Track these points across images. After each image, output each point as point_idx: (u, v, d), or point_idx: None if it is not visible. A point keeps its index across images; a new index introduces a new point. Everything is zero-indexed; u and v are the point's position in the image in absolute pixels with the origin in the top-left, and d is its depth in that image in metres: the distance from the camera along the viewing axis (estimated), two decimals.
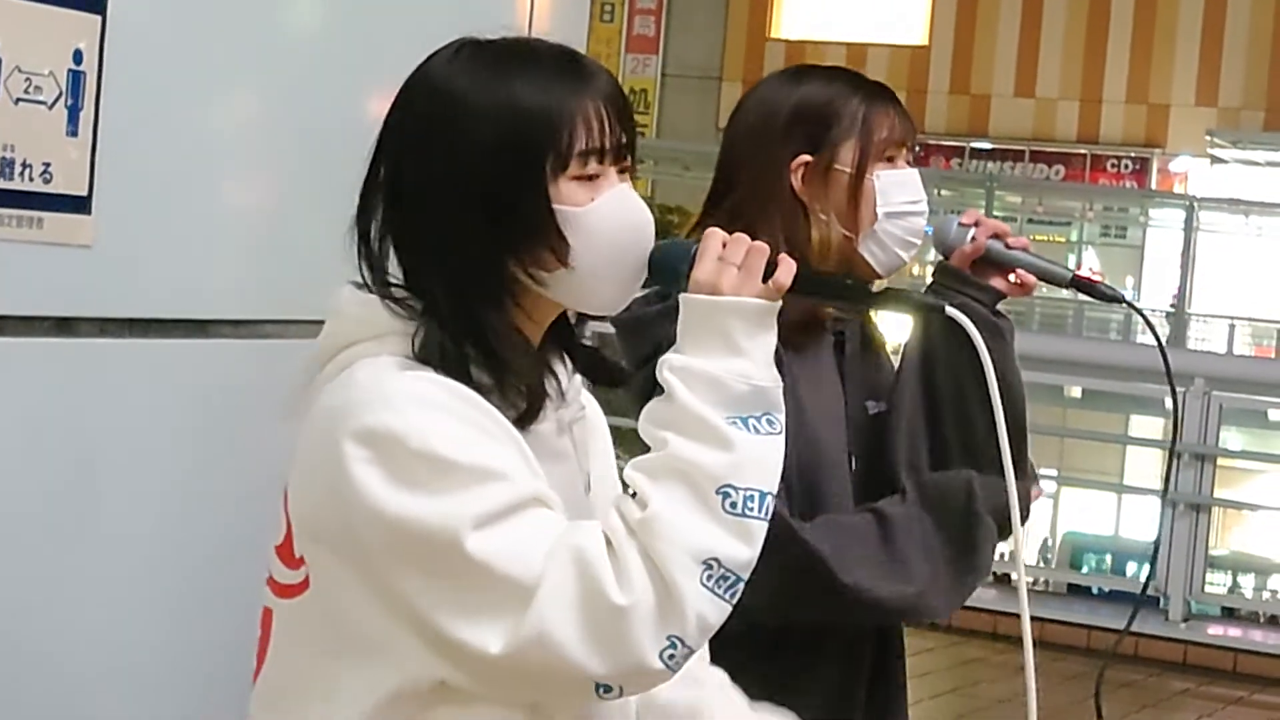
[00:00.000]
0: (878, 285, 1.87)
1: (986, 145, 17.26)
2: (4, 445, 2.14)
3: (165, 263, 2.32)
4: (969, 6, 17.26)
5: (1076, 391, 9.92)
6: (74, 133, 2.17)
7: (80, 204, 2.18)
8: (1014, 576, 9.72)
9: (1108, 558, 10.34)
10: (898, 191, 2.43)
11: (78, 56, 2.16)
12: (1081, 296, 2.55)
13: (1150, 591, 8.64)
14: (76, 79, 2.16)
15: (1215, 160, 16.32)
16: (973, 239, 2.49)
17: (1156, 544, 3.45)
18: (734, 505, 1.69)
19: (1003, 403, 1.90)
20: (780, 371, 2.32)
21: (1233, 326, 12.95)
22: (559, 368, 1.85)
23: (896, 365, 2.53)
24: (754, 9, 17.88)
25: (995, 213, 12.61)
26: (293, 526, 1.76)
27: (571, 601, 1.64)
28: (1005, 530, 2.42)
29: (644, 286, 1.85)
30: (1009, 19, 17.09)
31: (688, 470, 1.69)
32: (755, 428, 1.72)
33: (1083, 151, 16.98)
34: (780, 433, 1.74)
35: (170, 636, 2.35)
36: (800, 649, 2.38)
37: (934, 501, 2.37)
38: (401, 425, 1.66)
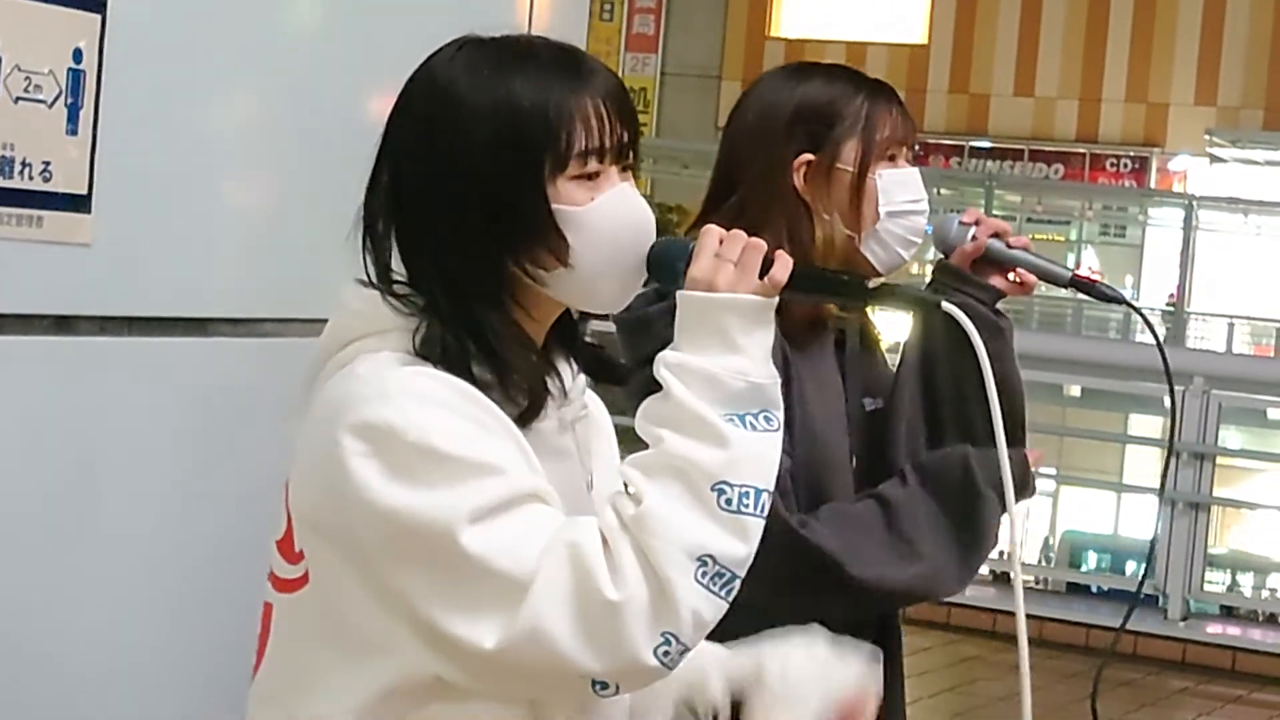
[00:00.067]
0: (874, 281, 1.86)
1: (986, 144, 17.25)
2: (4, 444, 2.14)
3: (165, 261, 2.32)
4: (968, 6, 17.26)
5: (1076, 390, 9.92)
6: (74, 131, 2.17)
7: (80, 203, 2.19)
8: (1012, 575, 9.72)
9: (1107, 556, 10.35)
10: (899, 190, 2.43)
11: (77, 55, 2.16)
12: (1081, 295, 2.55)
13: (1149, 590, 8.65)
14: (76, 78, 2.16)
15: (1214, 159, 16.32)
16: (973, 238, 2.50)
17: (1153, 542, 3.45)
18: (729, 502, 1.68)
19: (1002, 401, 1.90)
20: (787, 372, 2.33)
21: (1232, 325, 12.95)
22: (562, 366, 1.85)
23: (894, 363, 2.53)
24: (754, 8, 17.87)
25: (995, 212, 12.61)
26: (293, 521, 1.77)
27: (565, 597, 1.64)
28: (1007, 503, 2.41)
29: (644, 285, 1.85)
30: (1008, 18, 17.08)
31: (683, 467, 1.69)
32: (752, 424, 1.72)
33: (1082, 150, 16.97)
34: (778, 430, 1.74)
35: (170, 636, 2.35)
36: None
37: (933, 480, 2.38)
38: (399, 419, 1.66)
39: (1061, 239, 15.16)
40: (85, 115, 2.18)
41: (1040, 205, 14.34)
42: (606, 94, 1.78)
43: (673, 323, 1.77)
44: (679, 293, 1.77)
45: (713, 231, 1.79)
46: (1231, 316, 13.09)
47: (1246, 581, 9.73)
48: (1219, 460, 8.94)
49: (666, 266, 1.79)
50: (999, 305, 2.49)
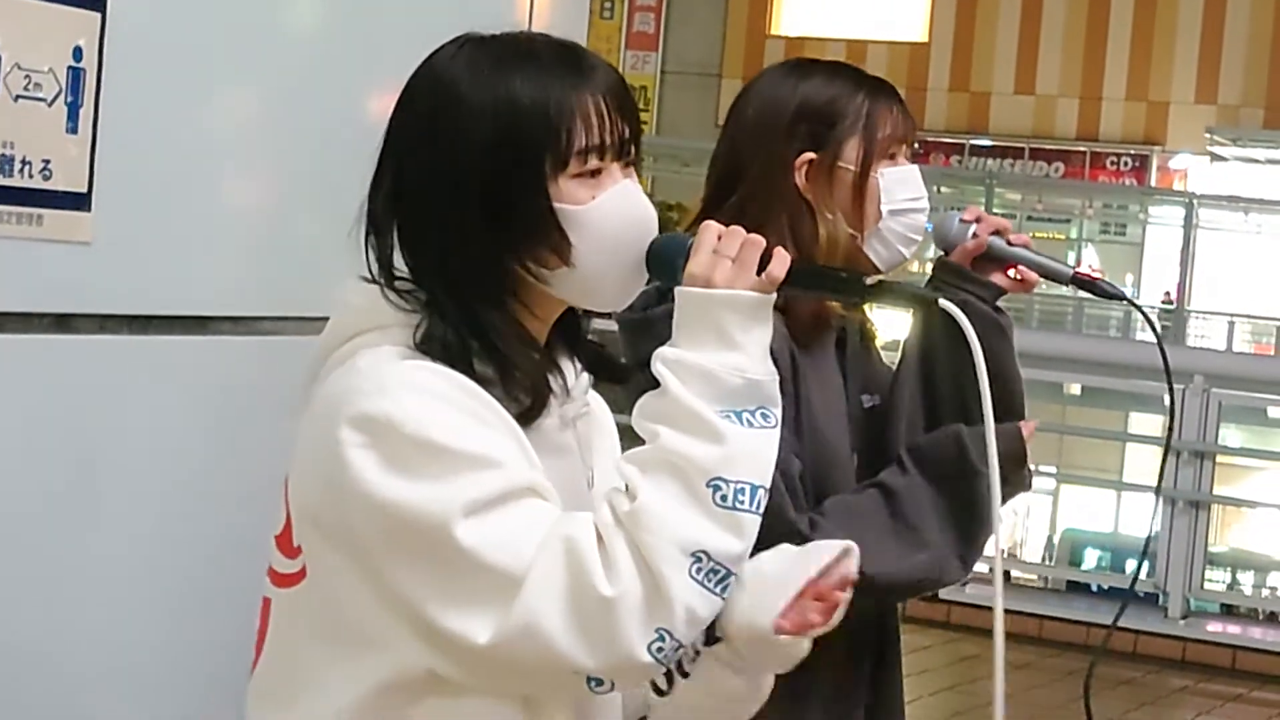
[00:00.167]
0: (872, 278, 1.86)
1: (986, 142, 17.25)
2: (3, 443, 2.14)
3: (165, 259, 2.32)
4: (969, 4, 17.25)
5: (1076, 389, 9.93)
6: (74, 130, 2.17)
7: (80, 201, 2.18)
8: (1013, 573, 9.75)
9: (1107, 555, 10.35)
10: (900, 188, 2.43)
11: (77, 53, 2.16)
12: (1081, 293, 2.56)
13: (1149, 588, 8.66)
14: (76, 76, 2.16)
15: (1215, 157, 16.32)
16: (974, 235, 2.50)
17: (1148, 540, 3.46)
18: (724, 498, 1.68)
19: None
20: (795, 373, 2.33)
21: (1232, 324, 12.95)
22: (565, 363, 1.85)
23: (892, 360, 2.54)
24: (754, 6, 17.87)
25: (995, 210, 12.61)
26: (292, 515, 1.77)
27: (559, 592, 1.64)
28: (1009, 478, 2.39)
29: (646, 283, 1.85)
30: (1009, 16, 17.08)
31: (678, 463, 1.68)
32: (749, 421, 1.71)
33: (1082, 149, 16.97)
34: (775, 426, 1.73)
35: (171, 634, 2.35)
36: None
37: (930, 464, 2.38)
38: (398, 412, 1.66)
39: (1062, 237, 15.16)
40: (85, 113, 2.18)
41: (1041, 203, 14.34)
42: (607, 90, 1.77)
43: None
44: (677, 289, 1.77)
45: (711, 227, 1.79)
46: (1232, 315, 13.09)
47: (1247, 580, 9.73)
48: (1219, 458, 8.94)
49: (665, 262, 1.79)
50: (999, 303, 2.49)
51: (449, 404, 1.68)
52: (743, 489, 1.69)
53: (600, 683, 1.67)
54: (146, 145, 2.27)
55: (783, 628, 1.78)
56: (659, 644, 1.65)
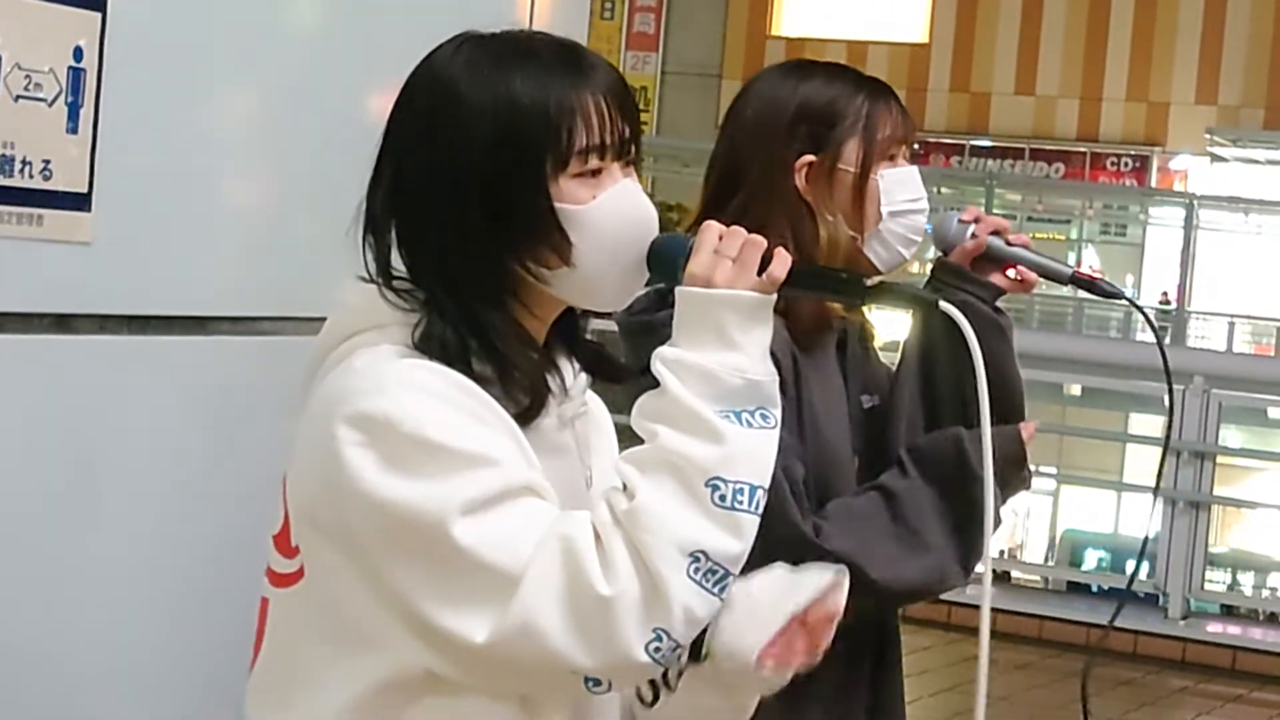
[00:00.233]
0: (872, 279, 1.85)
1: (986, 143, 17.25)
2: (3, 443, 2.14)
3: (165, 260, 2.32)
4: (969, 4, 17.25)
5: (1076, 389, 9.93)
6: (74, 130, 2.17)
7: (80, 201, 2.18)
8: (1014, 574, 9.75)
9: (1107, 555, 10.35)
10: (900, 190, 2.43)
11: (78, 54, 2.16)
12: (1081, 294, 2.56)
13: (1149, 589, 8.66)
14: (77, 76, 2.16)
15: (1215, 158, 16.32)
16: (973, 236, 2.50)
17: (1145, 540, 3.44)
18: (723, 498, 1.67)
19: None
20: (797, 377, 2.33)
21: (1232, 324, 12.95)
22: (563, 363, 1.85)
23: (893, 360, 2.54)
24: (754, 7, 17.87)
25: (995, 210, 12.61)
26: (290, 514, 1.76)
27: (556, 591, 1.64)
28: (1008, 480, 2.40)
29: (647, 283, 1.85)
30: (1009, 17, 17.08)
31: (677, 462, 1.68)
32: (748, 421, 1.71)
33: (1083, 149, 16.97)
34: (774, 427, 1.73)
35: (170, 635, 2.35)
36: None
37: (931, 467, 2.38)
38: (395, 410, 1.66)
39: (1062, 238, 15.17)
40: (85, 114, 2.18)
41: (1041, 204, 14.34)
42: (608, 90, 1.77)
43: None
44: (677, 289, 1.76)
45: (712, 227, 1.78)
46: (1232, 316, 13.10)
47: (1247, 580, 9.73)
48: (1219, 459, 8.95)
49: (666, 262, 1.79)
50: (999, 303, 2.49)
51: (447, 403, 1.68)
52: (741, 489, 1.68)
53: (598, 683, 1.67)
54: (146, 145, 2.27)
55: (765, 661, 1.78)
56: (657, 644, 1.65)
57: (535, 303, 1.79)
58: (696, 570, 1.66)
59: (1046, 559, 10.22)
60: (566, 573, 1.64)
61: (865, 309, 2.42)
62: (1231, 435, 9.77)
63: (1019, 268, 2.49)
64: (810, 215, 2.39)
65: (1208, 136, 15.97)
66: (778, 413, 1.74)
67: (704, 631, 1.77)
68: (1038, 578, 9.83)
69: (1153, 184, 16.55)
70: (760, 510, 1.70)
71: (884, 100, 2.44)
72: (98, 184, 2.20)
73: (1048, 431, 9.62)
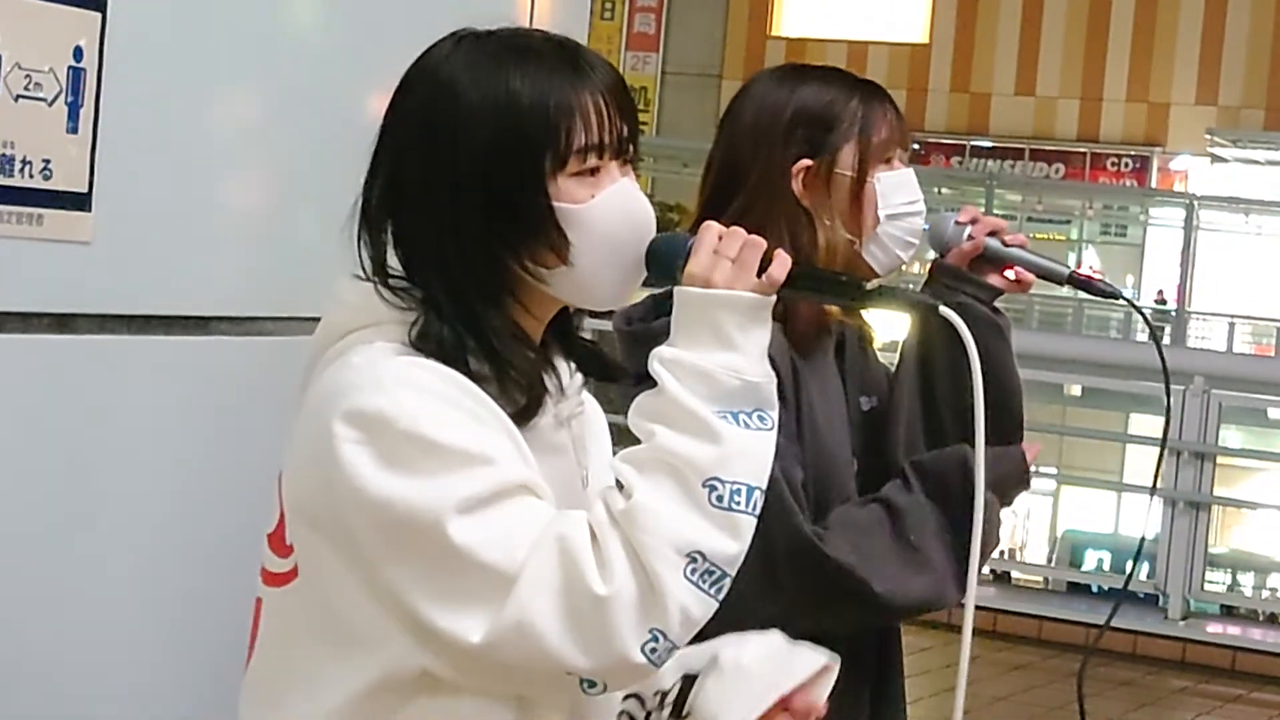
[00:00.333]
0: (872, 282, 1.85)
1: (987, 143, 17.27)
2: (3, 442, 2.15)
3: (165, 260, 2.32)
4: (970, 5, 17.26)
5: (1076, 390, 9.95)
6: (74, 130, 2.17)
7: (80, 201, 2.19)
8: (1013, 574, 9.76)
9: (1107, 555, 10.36)
10: (897, 193, 2.43)
11: (78, 53, 2.17)
12: (1081, 295, 2.56)
13: (1149, 589, 8.66)
14: (77, 76, 2.16)
15: (1215, 159, 16.34)
16: (970, 237, 2.50)
17: (1142, 540, 3.44)
18: (721, 499, 1.67)
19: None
20: (796, 383, 2.33)
21: (1232, 325, 12.97)
22: (559, 362, 1.85)
23: (891, 361, 2.53)
24: (754, 7, 17.88)
25: (995, 211, 12.63)
26: (285, 512, 1.76)
27: (552, 591, 1.63)
28: (1007, 498, 2.42)
29: (645, 283, 1.85)
30: (1009, 17, 17.09)
31: (674, 462, 1.67)
32: (746, 423, 1.70)
33: (1083, 150, 16.99)
34: (772, 429, 1.72)
35: (170, 635, 2.35)
36: None
37: (935, 484, 2.38)
38: (392, 407, 1.65)
39: (1062, 238, 15.19)
40: (85, 113, 2.18)
41: (1041, 204, 14.36)
42: (606, 88, 1.77)
43: None
44: (676, 288, 1.76)
45: (712, 228, 1.78)
46: (1232, 316, 13.11)
47: (1247, 581, 9.75)
48: (1219, 460, 8.95)
49: (665, 262, 1.79)
50: (996, 303, 2.49)
51: (444, 401, 1.68)
52: (739, 490, 1.68)
53: (593, 684, 1.66)
54: (146, 145, 2.27)
55: None
56: (653, 644, 1.64)
57: (532, 302, 1.79)
58: (693, 571, 1.65)
59: (1047, 559, 10.22)
60: (562, 572, 1.63)
61: (864, 311, 2.42)
62: (1231, 436, 9.78)
63: (1016, 268, 2.49)
64: (808, 219, 2.39)
65: (1208, 137, 16.00)
66: (775, 414, 1.73)
67: (688, 686, 1.78)
68: (1038, 578, 9.84)
69: (1153, 184, 16.58)
70: (757, 511, 1.69)
71: (879, 104, 2.44)
72: (98, 184, 2.20)
73: (1048, 432, 9.64)
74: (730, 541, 1.67)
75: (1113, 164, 16.90)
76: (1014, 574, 9.78)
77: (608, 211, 1.76)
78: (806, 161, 2.40)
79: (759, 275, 1.75)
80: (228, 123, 2.42)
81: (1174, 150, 16.63)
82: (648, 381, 1.74)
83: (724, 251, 1.76)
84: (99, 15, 2.18)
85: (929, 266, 2.54)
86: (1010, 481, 2.42)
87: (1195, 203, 12.81)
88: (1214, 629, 8.69)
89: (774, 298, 1.76)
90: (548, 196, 1.74)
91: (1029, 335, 10.17)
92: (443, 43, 1.80)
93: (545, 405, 1.77)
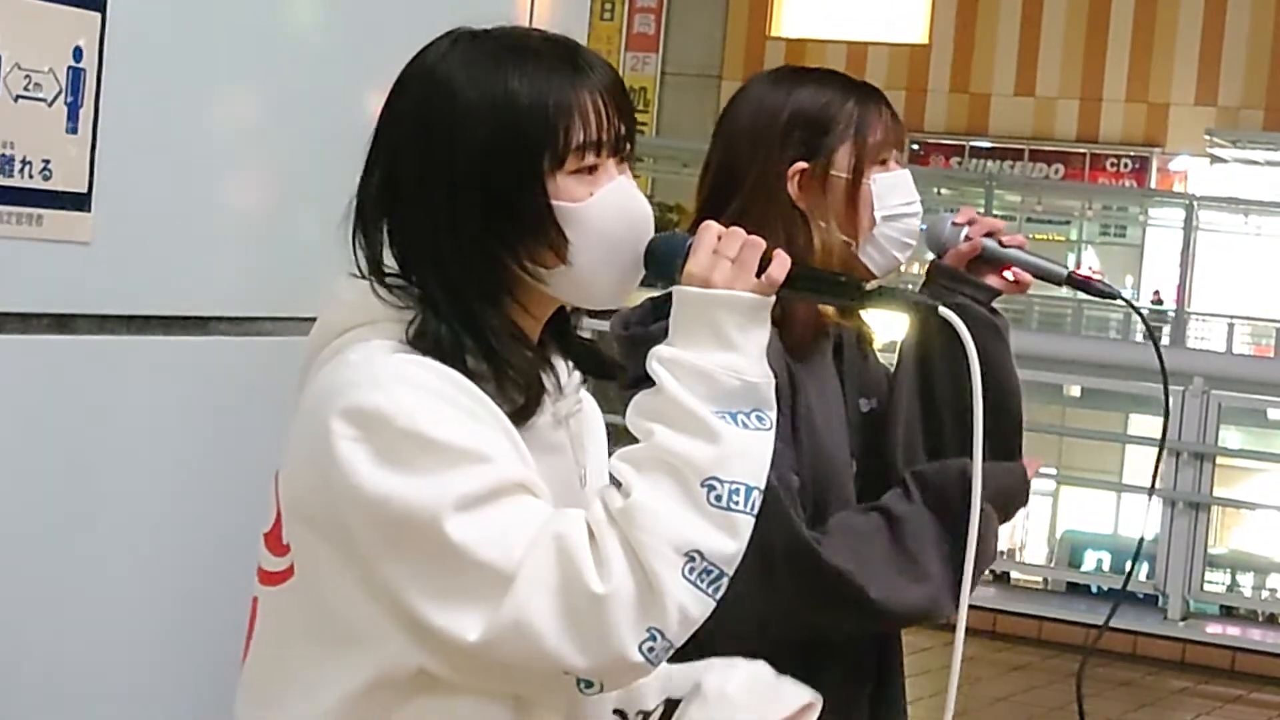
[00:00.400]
0: (872, 284, 1.85)
1: (986, 144, 17.27)
2: (2, 442, 2.15)
3: (164, 260, 2.32)
4: (969, 5, 17.27)
5: (1075, 390, 9.94)
6: (74, 130, 2.17)
7: (80, 201, 2.19)
8: (1013, 575, 9.76)
9: (1106, 556, 10.36)
10: (892, 194, 2.43)
11: (78, 54, 2.17)
12: (1081, 295, 2.56)
13: (1149, 590, 8.67)
14: (76, 76, 2.17)
15: (1214, 159, 16.35)
16: (967, 238, 2.50)
17: (1140, 541, 3.44)
18: (719, 498, 1.67)
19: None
20: (793, 387, 2.33)
21: (1232, 325, 12.97)
22: (557, 361, 1.84)
23: (890, 363, 2.53)
24: (754, 7, 17.88)
25: (995, 211, 12.63)
26: (282, 510, 1.76)
27: (550, 589, 1.63)
28: (1006, 513, 2.42)
29: (643, 283, 1.84)
30: (1009, 18, 17.09)
31: (673, 462, 1.67)
32: (744, 423, 1.70)
33: (1082, 150, 16.99)
34: (770, 429, 1.72)
35: (169, 634, 2.35)
36: (804, 657, 2.39)
37: (935, 496, 2.37)
38: (389, 405, 1.65)
39: (1062, 239, 15.20)
40: (85, 114, 2.18)
41: (1040, 205, 14.37)
42: (604, 87, 1.77)
43: None
44: (675, 288, 1.76)
45: (711, 227, 1.78)
46: (1232, 317, 13.12)
47: (1246, 581, 9.75)
48: (1219, 460, 8.95)
49: (664, 262, 1.79)
50: (995, 304, 2.49)
51: (441, 398, 1.67)
52: (737, 489, 1.68)
53: (590, 684, 1.66)
54: (146, 145, 2.27)
55: None
56: (650, 643, 1.64)
57: (530, 301, 1.79)
58: (691, 570, 1.65)
59: (1046, 560, 10.22)
60: (560, 570, 1.63)
61: (861, 312, 2.42)
62: (1231, 436, 9.78)
63: (1014, 268, 2.50)
64: (803, 222, 2.38)
65: (1207, 138, 16.00)
66: (773, 415, 1.73)
67: (671, 710, 1.78)
68: (1037, 578, 9.84)
69: (1152, 185, 16.58)
70: (755, 511, 1.69)
71: (875, 105, 2.44)
72: (97, 184, 2.20)
73: (1047, 432, 9.64)
74: (728, 541, 1.67)
75: (1112, 164, 16.90)
76: (1013, 574, 9.79)
77: (606, 209, 1.76)
78: (802, 164, 2.40)
79: (758, 275, 1.75)
80: (227, 123, 2.42)
81: (1173, 151, 16.64)
82: (646, 385, 1.74)
83: (723, 251, 1.76)
84: (99, 15, 2.18)
85: (927, 267, 2.54)
86: (1011, 496, 2.42)
87: (1195, 203, 12.81)
88: (1213, 629, 8.69)
89: (773, 298, 1.76)
90: (546, 195, 1.74)
91: (1028, 336, 10.18)
92: (438, 42, 1.80)
93: (543, 404, 1.77)
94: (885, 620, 2.37)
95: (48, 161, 2.14)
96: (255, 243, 2.47)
